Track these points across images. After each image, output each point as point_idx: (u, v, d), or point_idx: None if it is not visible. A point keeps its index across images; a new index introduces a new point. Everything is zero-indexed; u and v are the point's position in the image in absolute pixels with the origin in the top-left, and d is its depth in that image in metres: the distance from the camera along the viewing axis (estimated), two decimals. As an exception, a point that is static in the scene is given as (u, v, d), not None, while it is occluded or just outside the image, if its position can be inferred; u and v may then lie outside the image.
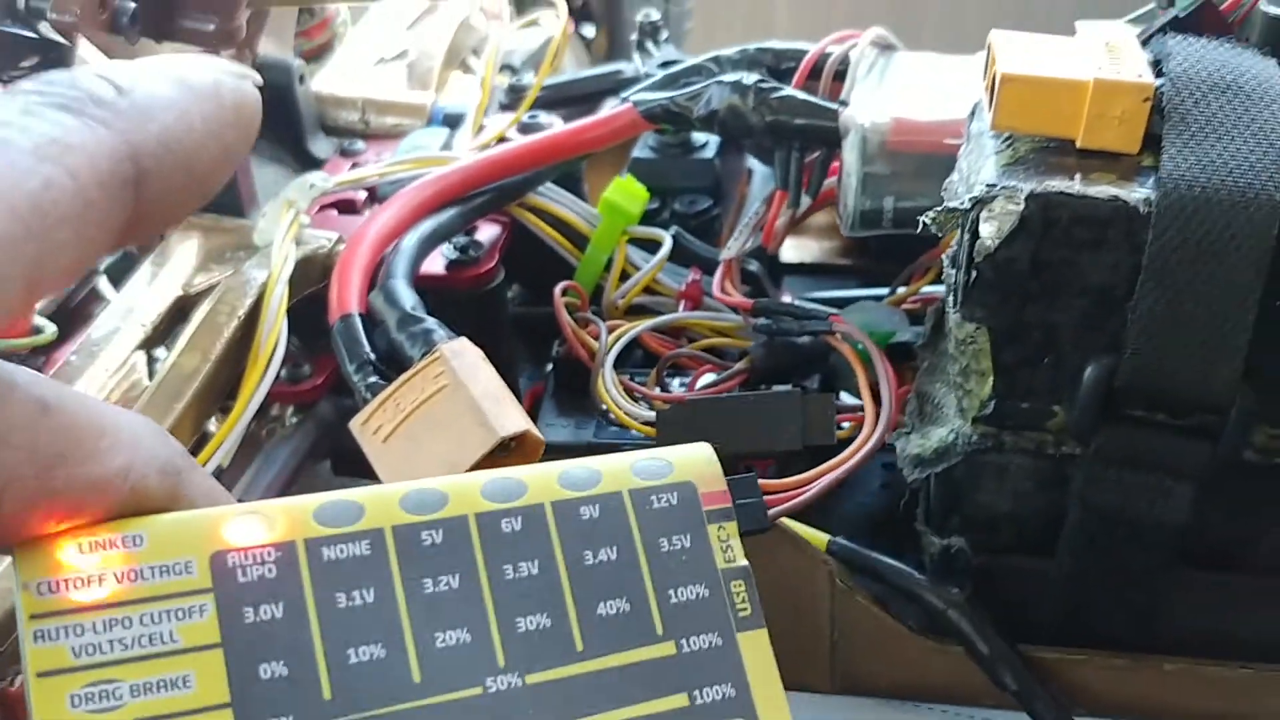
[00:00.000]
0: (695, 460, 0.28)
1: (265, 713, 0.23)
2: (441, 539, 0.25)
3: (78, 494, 0.22)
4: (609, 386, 0.51)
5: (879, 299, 0.56)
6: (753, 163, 0.69)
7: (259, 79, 0.25)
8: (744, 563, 0.27)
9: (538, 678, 0.25)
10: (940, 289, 0.57)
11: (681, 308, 0.56)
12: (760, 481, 0.29)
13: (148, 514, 0.23)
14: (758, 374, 0.52)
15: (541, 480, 0.27)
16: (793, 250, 0.70)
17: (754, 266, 0.59)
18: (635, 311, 0.57)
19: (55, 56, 0.50)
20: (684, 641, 0.26)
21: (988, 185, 0.39)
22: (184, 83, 0.23)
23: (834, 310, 0.52)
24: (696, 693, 0.26)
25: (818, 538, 0.44)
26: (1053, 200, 0.38)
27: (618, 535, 0.27)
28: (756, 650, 0.26)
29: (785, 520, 0.44)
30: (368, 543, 0.25)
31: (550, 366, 0.56)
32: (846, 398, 0.53)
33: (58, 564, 0.23)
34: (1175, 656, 0.43)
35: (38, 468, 0.21)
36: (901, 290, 0.56)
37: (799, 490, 0.45)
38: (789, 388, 0.49)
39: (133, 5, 0.49)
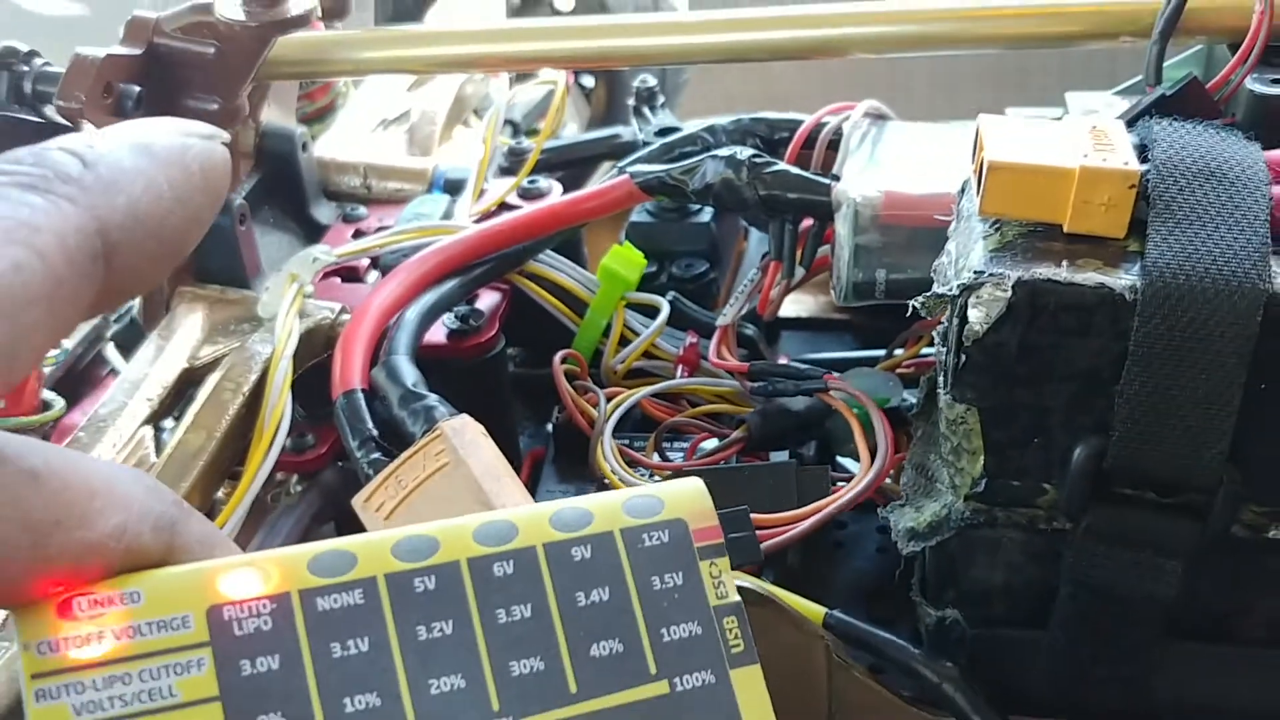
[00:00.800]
0: (686, 495, 0.28)
1: None
2: (434, 585, 0.26)
3: (73, 558, 0.22)
4: (608, 456, 0.52)
5: (873, 362, 0.57)
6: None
7: (227, 136, 0.25)
8: (736, 599, 0.27)
9: None
10: (934, 355, 0.58)
11: (680, 372, 0.57)
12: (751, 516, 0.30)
13: (145, 569, 0.24)
14: (755, 440, 0.52)
15: (533, 522, 0.27)
16: (789, 305, 0.71)
17: (750, 330, 0.60)
18: (634, 375, 0.58)
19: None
20: (677, 680, 0.26)
21: (975, 272, 0.40)
22: (150, 150, 0.23)
23: (827, 371, 0.53)
24: None
25: (814, 611, 0.45)
26: (1040, 288, 0.39)
27: (610, 575, 0.27)
28: (750, 687, 0.27)
29: (782, 594, 0.45)
30: (361, 591, 0.25)
31: (551, 435, 0.57)
32: (845, 462, 0.55)
33: (57, 624, 0.23)
34: (1167, 728, 0.44)
35: (32, 536, 0.22)
36: (897, 354, 0.57)
37: (790, 525, 0.45)
38: (785, 458, 0.50)
39: (137, 89, 0.50)
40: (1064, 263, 0.39)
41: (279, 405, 0.48)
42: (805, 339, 0.68)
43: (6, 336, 0.20)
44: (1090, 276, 0.39)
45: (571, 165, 0.69)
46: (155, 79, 0.53)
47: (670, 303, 0.58)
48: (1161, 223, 0.39)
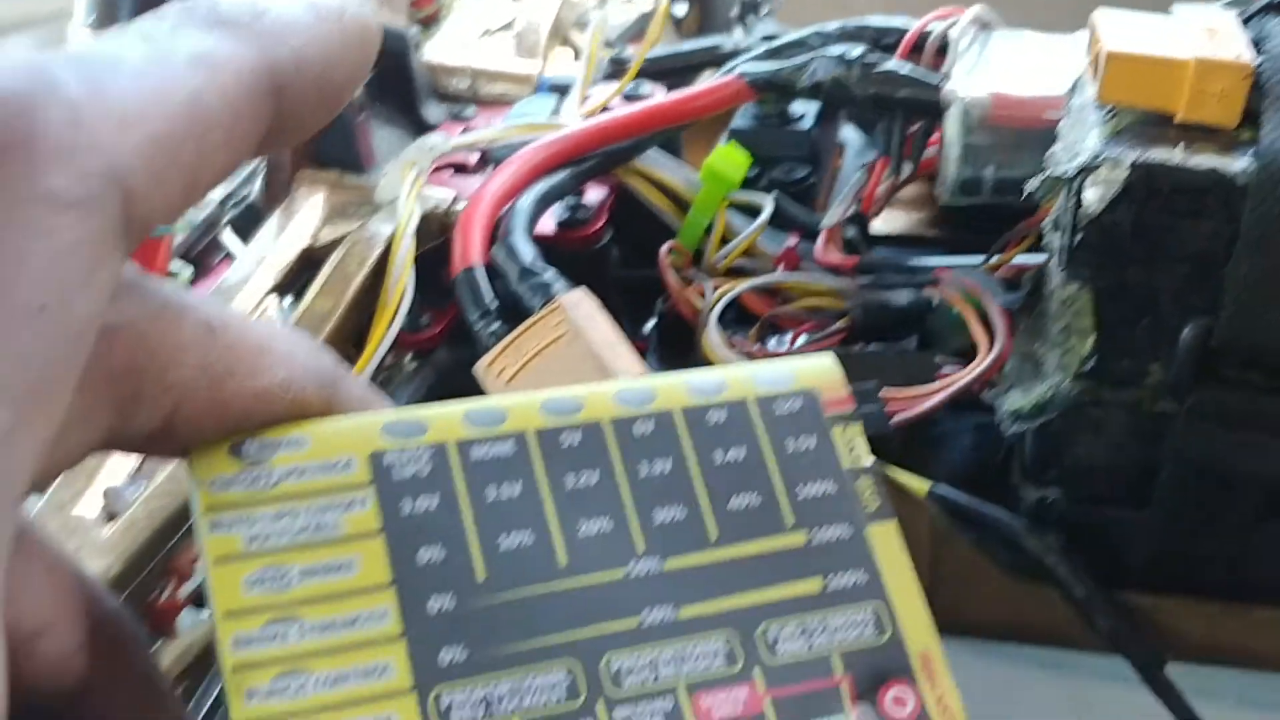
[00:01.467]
0: (818, 367, 0.29)
1: (426, 591, 0.25)
2: (579, 441, 0.27)
3: (245, 406, 0.24)
4: (715, 342, 0.53)
5: (974, 267, 0.58)
6: (846, 136, 0.71)
7: (375, 7, 0.27)
8: (869, 461, 0.28)
9: (676, 563, 0.26)
10: (1033, 258, 0.59)
11: (779, 271, 0.59)
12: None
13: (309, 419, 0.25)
14: (857, 332, 0.54)
15: (670, 388, 0.28)
16: (882, 222, 0.72)
17: (852, 234, 0.61)
18: (734, 274, 0.59)
19: None
20: (814, 532, 0.27)
21: (1094, 154, 0.41)
22: (314, 7, 0.24)
23: (936, 265, 0.54)
24: (829, 578, 0.27)
25: (918, 484, 0.46)
26: (1155, 170, 0.40)
27: (745, 437, 0.28)
28: (886, 541, 0.28)
29: (887, 467, 0.46)
30: (512, 443, 0.26)
31: (654, 325, 0.59)
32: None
33: (229, 463, 0.25)
34: (1265, 604, 0.45)
35: (209, 382, 0.23)
36: (996, 259, 0.58)
37: (919, 399, 0.47)
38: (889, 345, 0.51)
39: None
40: (1178, 148, 0.41)
41: (403, 276, 0.50)
42: (898, 255, 0.69)
43: (193, 155, 0.21)
44: (1204, 161, 0.40)
45: (672, 74, 0.70)
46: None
47: (774, 202, 0.59)
48: (1275, 111, 0.40)
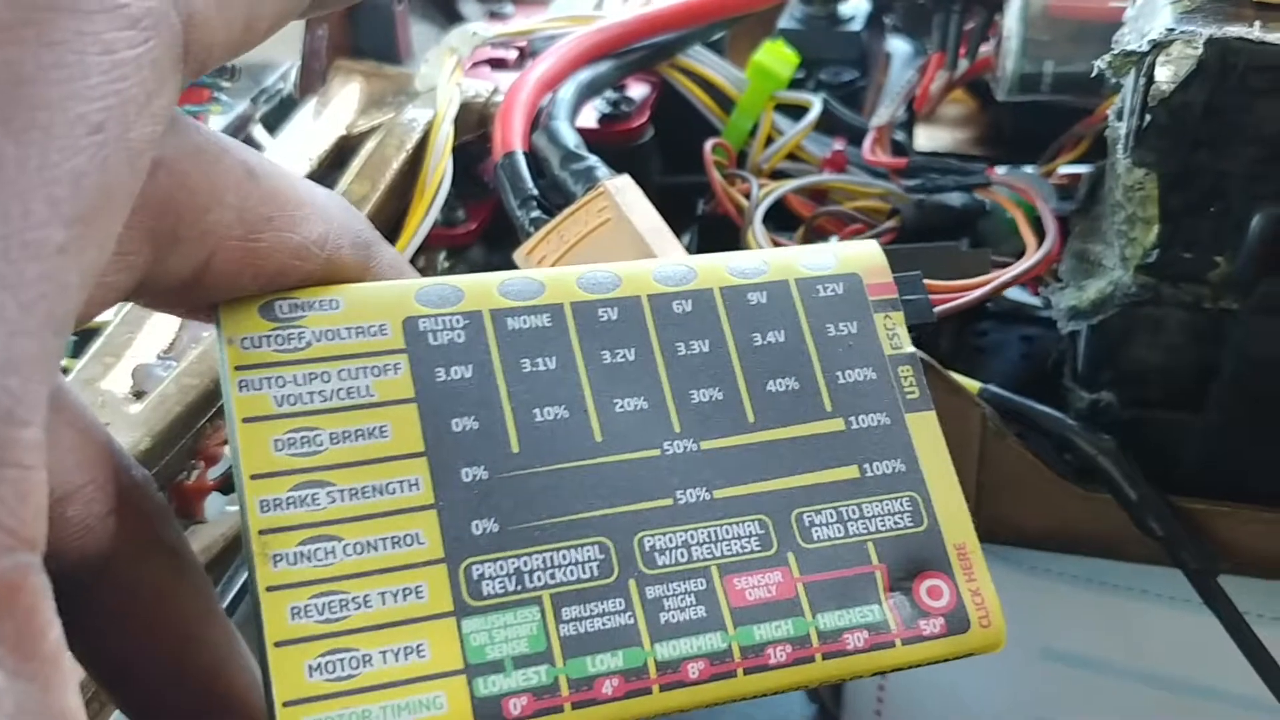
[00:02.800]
0: (862, 254, 0.29)
1: (458, 461, 0.24)
2: (617, 316, 0.26)
3: (281, 258, 0.23)
4: (759, 239, 0.52)
5: (1026, 173, 0.57)
6: (892, 46, 0.69)
7: None
8: (911, 349, 0.28)
9: (712, 444, 0.26)
10: (1085, 168, 0.57)
11: (826, 174, 0.57)
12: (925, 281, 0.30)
13: (342, 283, 0.25)
14: (907, 233, 0.52)
15: (710, 268, 0.28)
16: (925, 139, 0.70)
17: (900, 137, 0.59)
18: (779, 177, 0.58)
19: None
20: (852, 419, 0.27)
21: (1166, 29, 0.39)
22: None
23: (990, 166, 0.52)
24: (866, 465, 0.26)
25: (970, 383, 0.45)
26: (1231, 46, 0.38)
27: (785, 320, 0.27)
28: (925, 430, 0.27)
29: (944, 371, 0.45)
30: (549, 316, 0.26)
31: (695, 226, 0.57)
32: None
33: (260, 322, 0.24)
34: (1324, 512, 0.44)
35: (245, 229, 0.22)
36: (1049, 164, 0.56)
37: (964, 289, 0.45)
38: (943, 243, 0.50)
39: None
40: (1256, 24, 0.39)
41: (441, 161, 0.48)
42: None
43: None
44: (1283, 37, 0.38)
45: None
46: None
47: (822, 103, 0.58)
48: (1362, -14, 0.39)
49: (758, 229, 0.52)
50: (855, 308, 0.28)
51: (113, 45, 0.18)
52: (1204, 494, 0.45)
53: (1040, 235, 0.50)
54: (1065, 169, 0.56)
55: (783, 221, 0.56)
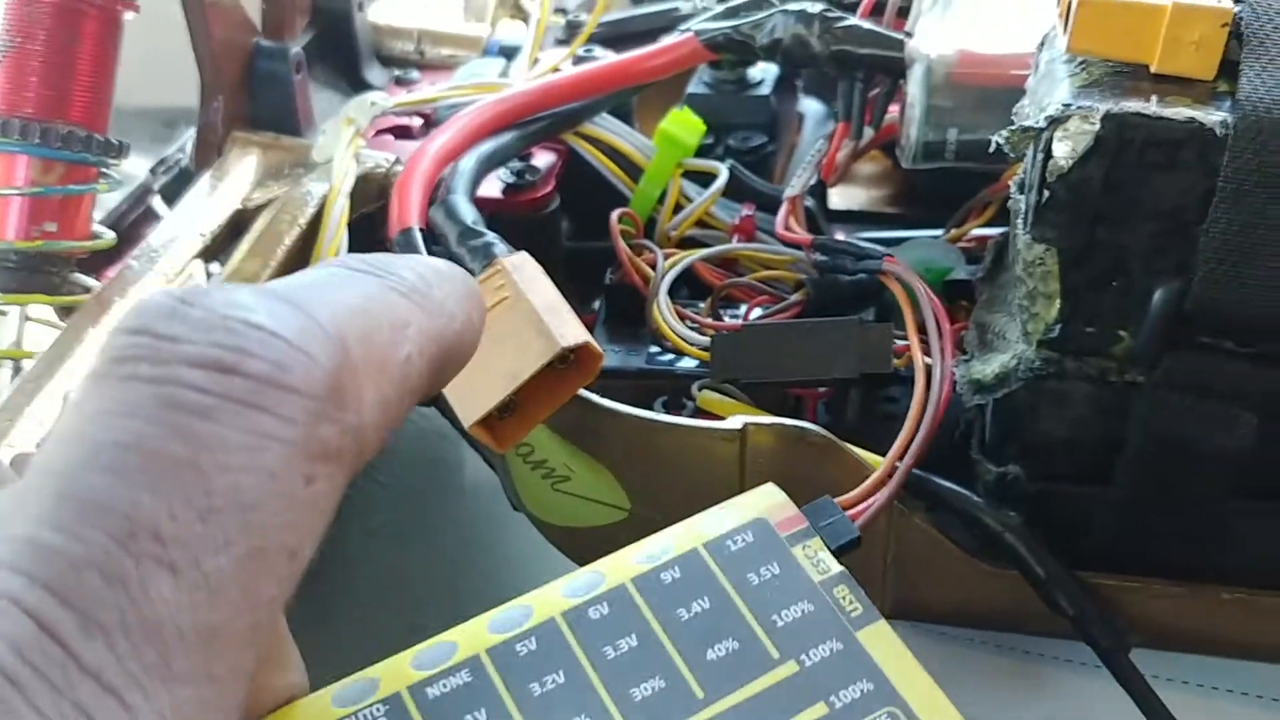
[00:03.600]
0: (761, 499, 0.29)
1: None
2: (536, 646, 0.26)
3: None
4: (664, 311, 0.51)
5: (935, 238, 0.56)
6: (805, 107, 0.69)
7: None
8: (839, 569, 0.28)
9: None
10: (994, 230, 0.57)
11: (734, 242, 0.56)
12: (836, 500, 0.30)
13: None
14: (813, 306, 0.51)
15: (616, 565, 0.27)
16: (841, 197, 0.70)
17: (810, 204, 0.59)
18: (687, 244, 0.57)
19: None
20: (804, 656, 0.26)
21: (1063, 104, 0.39)
22: (455, 280, 0.26)
23: (888, 251, 0.52)
24: (833, 698, 0.26)
25: (874, 459, 0.44)
26: (1128, 121, 0.38)
27: (705, 586, 0.27)
28: (881, 641, 0.27)
29: (841, 443, 0.44)
30: (467, 671, 0.26)
31: (602, 296, 0.56)
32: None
33: None
34: (1234, 586, 0.43)
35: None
36: (956, 230, 0.56)
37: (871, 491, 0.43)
38: (846, 317, 0.49)
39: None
40: (1152, 99, 0.38)
41: (337, 236, 0.47)
42: (857, 231, 0.67)
43: (398, 412, 0.23)
44: (1180, 111, 0.38)
45: (628, 40, 0.67)
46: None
47: (729, 170, 0.57)
48: (1256, 59, 0.38)
49: (662, 301, 0.51)
50: (771, 550, 0.28)
51: (313, 478, 0.20)
52: (1114, 568, 0.44)
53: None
54: (976, 231, 0.56)
55: (695, 291, 0.55)
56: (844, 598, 0.27)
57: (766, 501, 0.29)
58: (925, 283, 0.49)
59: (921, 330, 0.48)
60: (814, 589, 0.27)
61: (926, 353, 0.46)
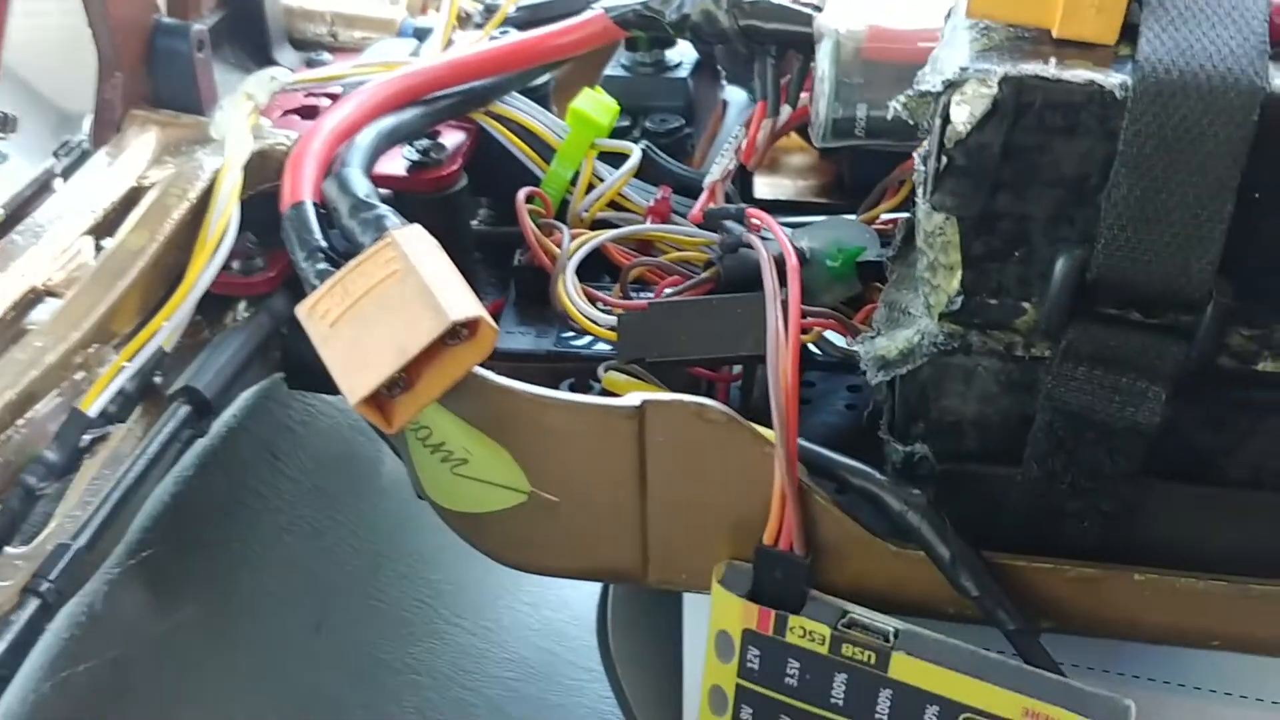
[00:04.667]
0: (725, 609, 0.31)
1: None
2: None
3: None
4: (570, 291, 0.50)
5: (850, 220, 0.55)
6: (728, 95, 0.68)
7: None
8: (830, 631, 0.32)
9: None
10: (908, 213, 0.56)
11: (648, 224, 0.55)
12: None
13: None
14: (723, 284, 0.50)
15: None
16: (768, 188, 0.69)
17: (729, 190, 0.57)
18: (601, 226, 0.56)
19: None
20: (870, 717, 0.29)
21: (961, 68, 0.38)
22: None
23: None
24: None
25: (767, 433, 0.42)
26: (1027, 84, 0.37)
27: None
28: (911, 665, 0.31)
29: (740, 419, 0.42)
30: None
31: (512, 279, 0.55)
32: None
33: None
34: (1145, 567, 0.42)
35: None
36: (870, 211, 0.55)
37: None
38: (754, 293, 0.48)
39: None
40: (1051, 61, 0.37)
41: (226, 209, 0.45)
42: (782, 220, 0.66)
43: None
44: (1079, 74, 0.37)
45: (545, 24, 0.66)
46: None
47: (643, 151, 0.56)
48: (1156, 20, 0.37)
49: (569, 280, 0.50)
50: (779, 655, 0.32)
51: None
52: (1025, 549, 0.43)
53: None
54: (888, 215, 0.55)
55: (610, 271, 0.54)
56: (854, 654, 0.30)
57: (733, 611, 0.27)
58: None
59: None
60: (831, 662, 0.29)
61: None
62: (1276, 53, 0.37)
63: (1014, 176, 0.38)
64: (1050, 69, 0.37)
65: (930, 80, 0.39)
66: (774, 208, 0.68)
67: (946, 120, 0.38)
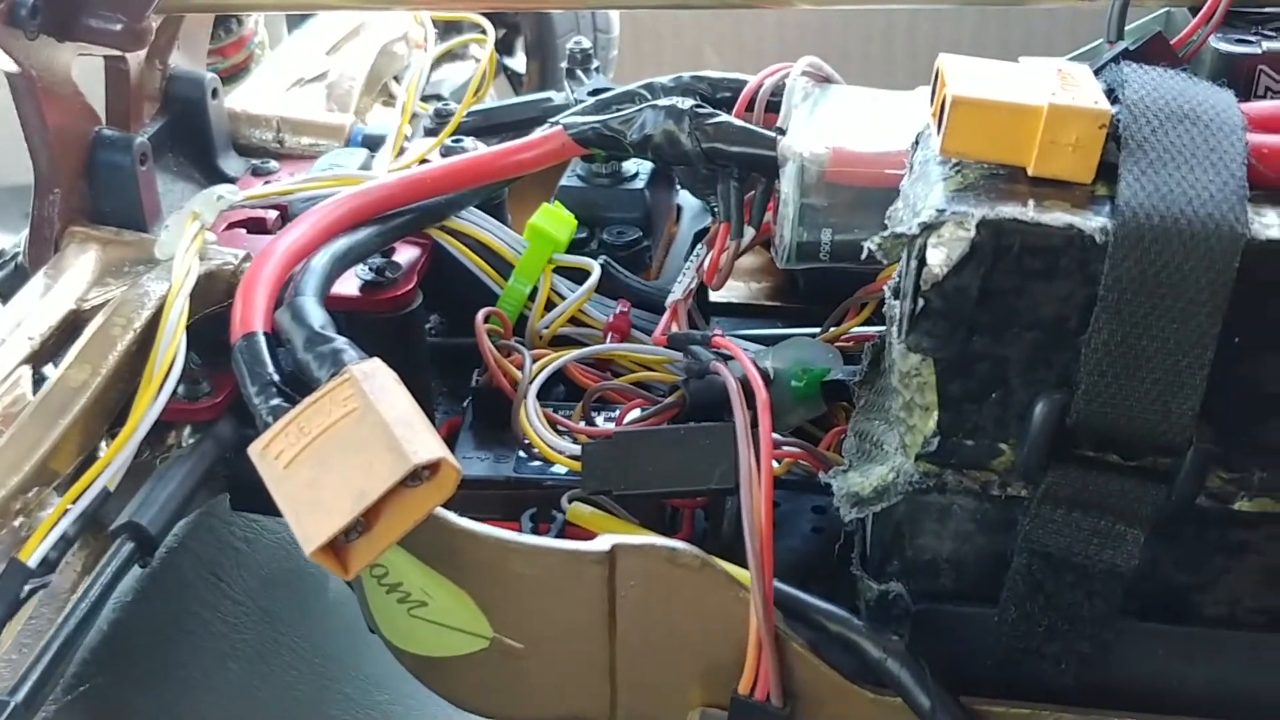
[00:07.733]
0: None
1: None
2: None
3: None
4: (532, 418, 0.48)
5: (813, 338, 0.54)
6: (682, 199, 0.67)
7: None
8: None
9: None
10: (873, 329, 0.55)
11: (608, 340, 0.54)
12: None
13: None
14: (689, 409, 0.49)
15: None
16: (722, 291, 0.68)
17: (689, 306, 0.56)
18: (560, 343, 0.55)
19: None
20: None
21: (937, 210, 0.37)
22: None
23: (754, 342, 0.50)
24: None
25: (742, 574, 0.41)
26: (1005, 227, 0.36)
27: None
28: None
29: (717, 561, 0.41)
30: None
31: (469, 399, 0.53)
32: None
33: None
34: (1122, 711, 0.41)
35: None
36: (834, 329, 0.54)
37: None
38: (722, 423, 0.46)
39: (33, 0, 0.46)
40: (1029, 203, 0.37)
41: (173, 341, 0.44)
42: (738, 325, 0.65)
43: None
44: (1058, 217, 0.36)
45: (500, 130, 0.65)
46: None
47: (601, 267, 0.55)
48: (1135, 162, 0.37)
49: (530, 406, 0.49)
50: None
51: None
52: (1001, 692, 0.42)
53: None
54: (854, 330, 0.55)
55: (570, 392, 0.53)
56: None
57: None
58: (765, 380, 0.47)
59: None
60: None
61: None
62: (1254, 195, 0.36)
63: (991, 319, 0.37)
64: (1029, 211, 0.36)
65: (906, 222, 0.38)
66: (728, 311, 0.68)
67: (923, 263, 0.37)
